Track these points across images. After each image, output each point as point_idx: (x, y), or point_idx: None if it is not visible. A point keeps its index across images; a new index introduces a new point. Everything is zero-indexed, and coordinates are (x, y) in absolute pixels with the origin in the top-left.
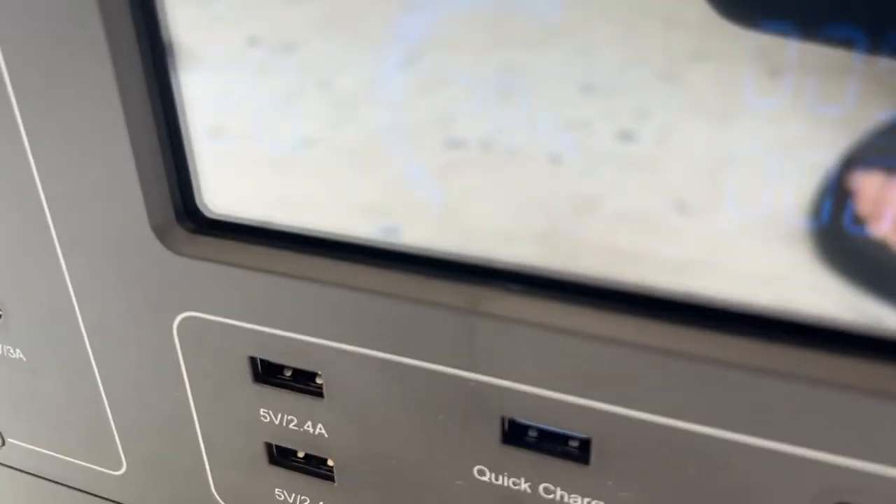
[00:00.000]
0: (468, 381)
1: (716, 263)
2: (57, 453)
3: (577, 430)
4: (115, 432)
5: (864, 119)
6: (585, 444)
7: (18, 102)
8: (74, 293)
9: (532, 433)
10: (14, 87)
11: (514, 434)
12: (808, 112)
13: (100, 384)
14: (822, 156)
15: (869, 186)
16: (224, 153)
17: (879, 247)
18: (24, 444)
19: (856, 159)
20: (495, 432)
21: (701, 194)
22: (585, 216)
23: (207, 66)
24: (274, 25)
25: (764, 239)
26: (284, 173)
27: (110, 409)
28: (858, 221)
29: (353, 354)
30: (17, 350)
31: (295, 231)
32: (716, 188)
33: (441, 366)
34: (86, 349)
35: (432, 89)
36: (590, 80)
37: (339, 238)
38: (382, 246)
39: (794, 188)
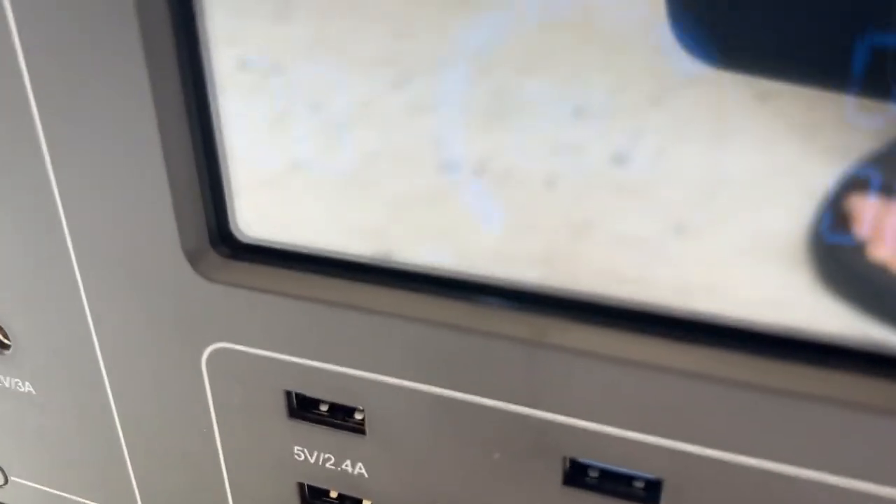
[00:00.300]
0: (527, 417)
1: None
2: (66, 493)
3: (644, 470)
4: (130, 471)
5: (860, 141)
6: (652, 485)
7: (39, 109)
8: (93, 321)
9: (593, 473)
10: (35, 93)
11: (576, 474)
12: (803, 134)
13: (116, 419)
14: (821, 178)
15: (868, 209)
16: (263, 174)
17: (879, 270)
18: (29, 483)
19: (855, 182)
20: (556, 473)
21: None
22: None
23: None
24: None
25: (763, 260)
26: (324, 194)
27: (126, 446)
28: (858, 244)
29: (398, 388)
30: (26, 383)
31: (336, 256)
32: (714, 210)
33: (498, 401)
34: (103, 382)
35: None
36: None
37: (383, 263)
38: (432, 272)
39: (793, 210)
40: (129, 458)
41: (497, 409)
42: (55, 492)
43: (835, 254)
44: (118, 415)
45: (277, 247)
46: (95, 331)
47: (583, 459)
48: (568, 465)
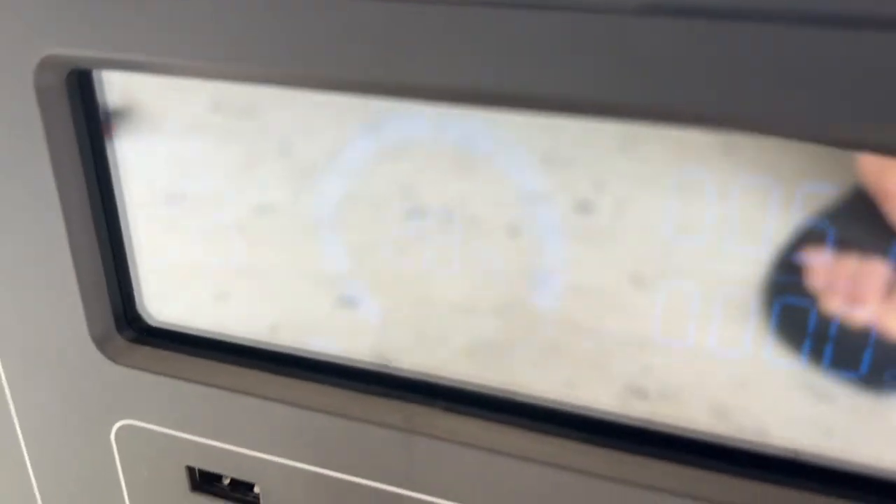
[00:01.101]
0: (403, 498)
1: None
2: None
3: None
4: None
5: (813, 196)
6: None
7: None
8: (12, 400)
9: None
10: None
11: None
12: (758, 187)
13: (36, 493)
14: (774, 231)
15: (820, 263)
16: (161, 259)
17: (830, 323)
18: None
19: (807, 236)
20: None
21: (655, 268)
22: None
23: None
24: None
25: (719, 314)
26: (225, 283)
27: None
28: (810, 297)
29: (287, 467)
30: None
31: (233, 341)
32: (670, 261)
33: (375, 482)
34: (23, 457)
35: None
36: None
37: (276, 349)
38: (319, 357)
39: (748, 262)
40: None
41: (374, 489)
42: None
43: (787, 306)
44: (38, 488)
45: (181, 330)
46: (14, 407)
47: None
48: None
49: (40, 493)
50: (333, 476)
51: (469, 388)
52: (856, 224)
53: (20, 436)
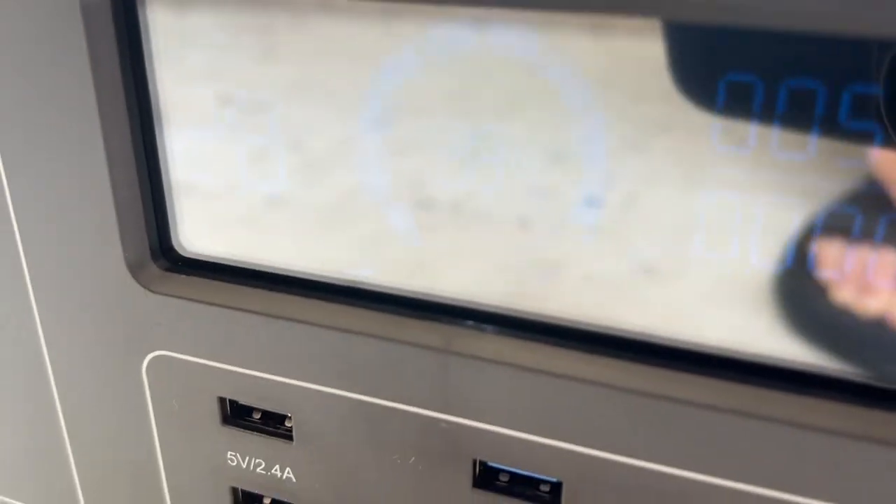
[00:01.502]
0: (440, 421)
1: (683, 322)
2: (11, 499)
3: (548, 473)
4: (75, 476)
5: (823, 187)
6: (556, 488)
7: None
8: (42, 328)
9: (503, 477)
10: None
11: (486, 478)
12: (770, 180)
13: (63, 424)
14: (786, 222)
15: (831, 253)
16: (201, 197)
17: (842, 312)
18: None
19: (819, 226)
20: (467, 476)
21: (667, 259)
22: (554, 280)
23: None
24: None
25: (729, 302)
26: (257, 220)
27: (72, 451)
28: (822, 287)
29: (323, 395)
30: None
31: (268, 270)
32: (682, 252)
33: (413, 406)
34: (50, 387)
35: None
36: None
37: (312, 277)
38: (356, 285)
39: (759, 253)
40: (75, 464)
41: (411, 413)
42: (0, 497)
43: (799, 295)
44: (65, 421)
45: (215, 261)
46: (44, 336)
47: (489, 462)
48: (478, 468)
49: (67, 426)
50: (369, 401)
51: (507, 311)
52: (869, 213)
53: (49, 367)
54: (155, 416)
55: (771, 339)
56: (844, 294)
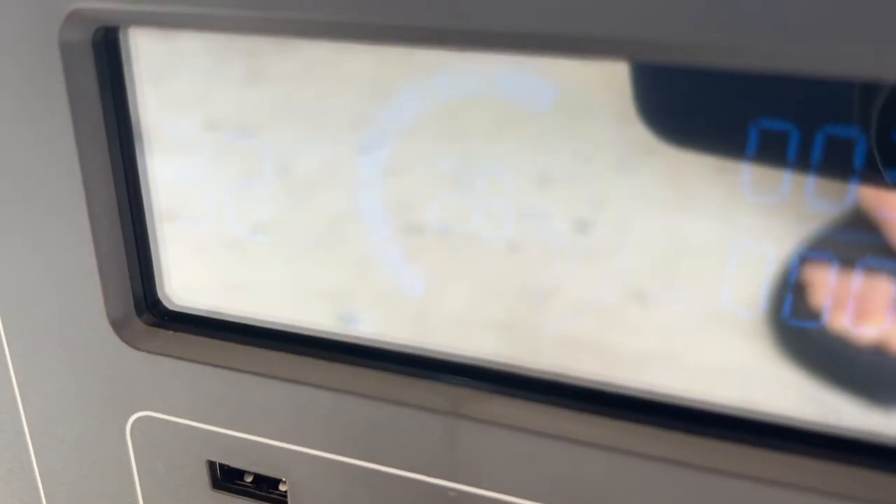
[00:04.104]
0: (447, 490)
1: (675, 356)
2: None
3: None
4: None
5: (816, 212)
6: None
7: None
8: (18, 389)
9: None
10: None
11: None
12: (759, 204)
13: (41, 490)
14: (778, 248)
15: (823, 280)
16: (189, 241)
17: (834, 338)
18: None
19: (811, 253)
20: None
21: (658, 285)
22: (544, 306)
23: (170, 154)
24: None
25: (722, 329)
26: (247, 260)
27: None
28: (814, 314)
29: (320, 460)
30: None
31: (259, 324)
32: (672, 278)
33: (418, 474)
34: (28, 449)
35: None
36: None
37: (305, 331)
38: (351, 340)
39: (751, 280)
40: None
41: (415, 481)
42: None
43: (793, 328)
44: (42, 485)
45: (203, 315)
46: (21, 397)
47: None
48: None
49: (45, 492)
50: (369, 468)
51: (514, 370)
52: (859, 243)
53: (26, 429)
54: (140, 480)
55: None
56: (839, 323)
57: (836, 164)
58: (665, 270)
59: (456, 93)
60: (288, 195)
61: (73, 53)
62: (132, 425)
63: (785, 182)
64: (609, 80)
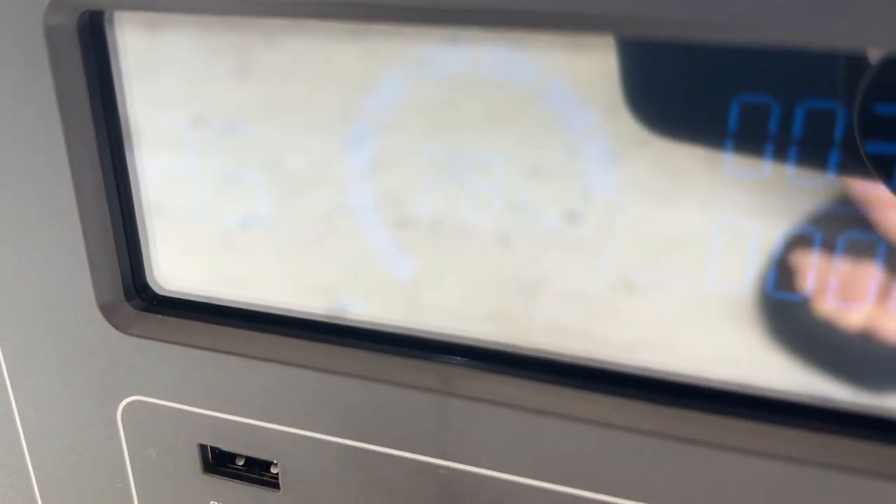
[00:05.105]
0: (437, 468)
1: (667, 342)
2: None
3: None
4: None
5: (803, 196)
6: None
7: None
8: (8, 375)
9: None
10: None
11: None
12: (749, 191)
13: (32, 474)
14: (766, 233)
15: (812, 264)
16: (177, 225)
17: (822, 321)
18: None
19: (799, 237)
20: None
21: (647, 273)
22: (534, 296)
23: (158, 146)
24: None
25: (711, 316)
26: (236, 248)
27: (42, 501)
28: (803, 297)
29: (311, 441)
30: None
31: (249, 308)
32: (662, 267)
33: (409, 452)
34: (18, 436)
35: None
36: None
37: (294, 314)
38: (341, 322)
39: (739, 265)
40: None
41: (406, 460)
42: None
43: (781, 309)
44: (34, 469)
45: (192, 299)
46: (11, 384)
47: None
48: None
49: (36, 477)
50: (360, 447)
51: (504, 349)
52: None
53: (16, 415)
54: (131, 464)
55: (763, 365)
56: (826, 308)
57: (816, 138)
58: (654, 258)
59: (445, 84)
60: (277, 185)
61: (59, 39)
62: (123, 410)
63: (767, 158)
64: (596, 69)
